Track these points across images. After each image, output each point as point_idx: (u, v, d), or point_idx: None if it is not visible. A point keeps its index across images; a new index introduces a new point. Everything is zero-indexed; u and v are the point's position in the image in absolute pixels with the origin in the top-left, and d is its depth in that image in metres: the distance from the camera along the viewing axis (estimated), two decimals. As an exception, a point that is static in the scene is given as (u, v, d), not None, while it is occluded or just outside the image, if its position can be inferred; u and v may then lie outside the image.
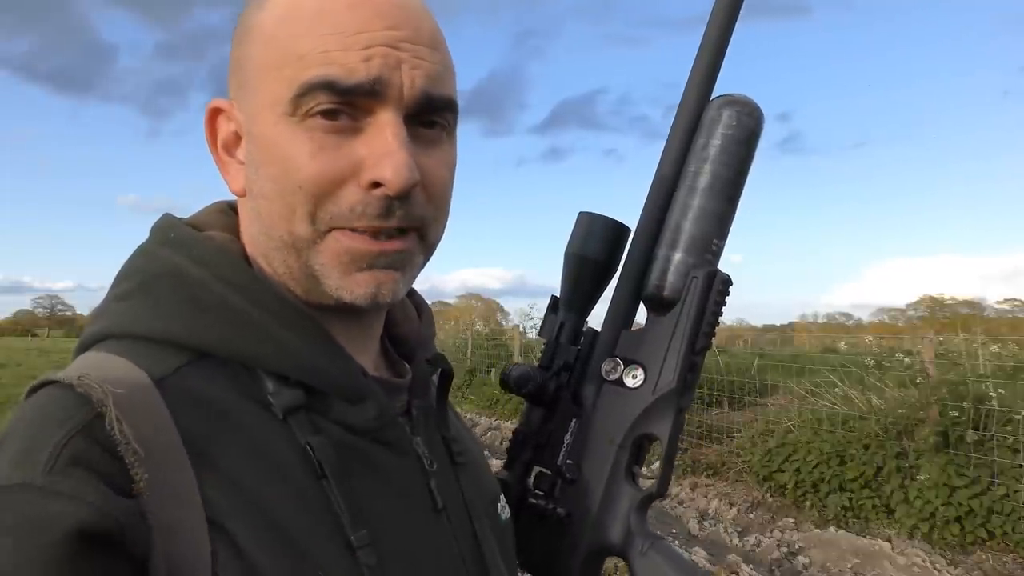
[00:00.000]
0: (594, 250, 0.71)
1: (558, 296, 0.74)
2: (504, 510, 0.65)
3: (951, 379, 5.14)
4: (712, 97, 0.71)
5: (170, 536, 0.39)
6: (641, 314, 0.72)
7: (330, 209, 0.47)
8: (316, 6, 0.47)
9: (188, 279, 0.48)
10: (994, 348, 6.51)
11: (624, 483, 0.66)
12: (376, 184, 0.46)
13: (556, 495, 0.68)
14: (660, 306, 0.69)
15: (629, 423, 0.66)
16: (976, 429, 4.67)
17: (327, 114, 0.46)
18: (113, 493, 0.38)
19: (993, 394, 4.78)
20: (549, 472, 0.69)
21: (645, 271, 0.70)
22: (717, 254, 0.69)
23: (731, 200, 0.69)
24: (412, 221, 0.49)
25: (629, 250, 0.71)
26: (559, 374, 0.71)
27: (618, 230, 0.71)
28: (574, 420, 0.69)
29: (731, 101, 0.70)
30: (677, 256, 0.68)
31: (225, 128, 0.53)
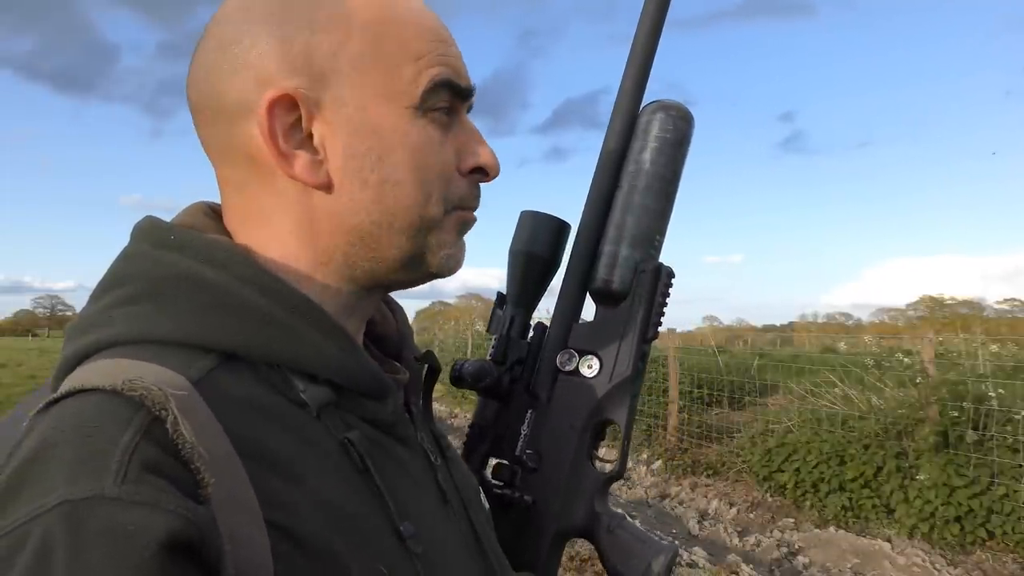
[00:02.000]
0: (539, 247, 0.74)
1: (503, 293, 0.77)
2: (485, 501, 0.67)
3: (951, 379, 5.14)
4: (645, 102, 0.76)
5: (234, 541, 0.37)
6: (588, 307, 0.76)
7: (455, 192, 0.54)
8: (409, 9, 0.52)
9: (205, 282, 0.47)
10: (994, 348, 6.51)
11: (586, 467, 0.70)
12: (479, 170, 0.55)
13: (517, 484, 0.71)
14: (609, 299, 0.73)
15: (588, 410, 0.70)
16: (976, 429, 4.68)
17: (446, 110, 0.53)
18: (189, 500, 0.36)
19: (993, 394, 4.78)
20: (507, 463, 0.72)
21: (591, 266, 0.74)
22: (659, 248, 0.74)
23: (669, 198, 0.74)
24: None
25: (574, 246, 0.75)
26: (513, 368, 0.74)
27: (560, 227, 0.75)
28: (529, 411, 0.72)
29: (664, 106, 0.74)
30: (623, 251, 0.72)
31: (285, 119, 0.48)
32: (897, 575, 4.11)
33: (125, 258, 0.50)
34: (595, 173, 0.76)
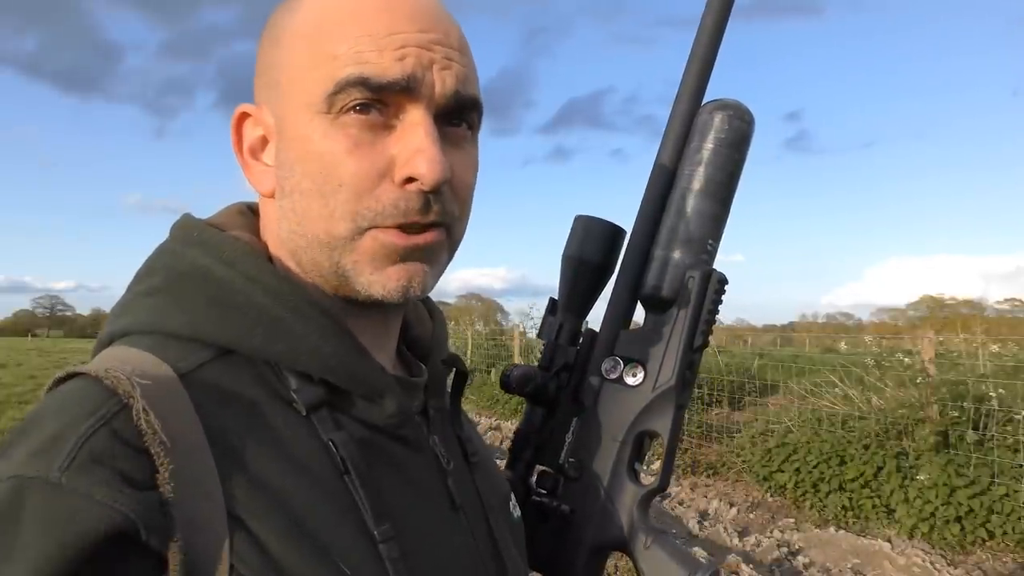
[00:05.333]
0: (591, 252, 0.72)
1: (556, 299, 0.75)
2: (515, 509, 0.66)
3: (951, 379, 5.14)
4: (704, 101, 0.73)
5: (191, 528, 0.39)
6: (639, 314, 0.74)
7: (372, 207, 0.48)
8: (350, 9, 0.49)
9: (214, 278, 0.49)
10: (994, 348, 6.50)
11: (626, 479, 0.68)
12: (410, 180, 0.47)
13: (559, 493, 0.70)
14: (658, 305, 0.70)
15: (630, 420, 0.68)
16: (976, 429, 4.68)
17: (360, 109, 0.47)
18: (130, 489, 0.38)
19: (993, 394, 4.78)
20: (551, 471, 0.71)
21: (642, 272, 0.71)
22: (712, 254, 0.71)
23: (724, 202, 0.71)
24: (445, 217, 0.50)
25: (626, 251, 0.73)
26: (559, 374, 0.72)
27: (614, 232, 0.73)
28: (575, 419, 0.70)
29: (723, 105, 0.71)
30: (674, 256, 0.70)
31: (252, 133, 0.54)
32: (897, 575, 4.11)
33: (158, 252, 0.53)
34: (650, 176, 0.73)
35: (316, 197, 0.48)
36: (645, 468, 0.71)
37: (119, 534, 0.37)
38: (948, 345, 6.27)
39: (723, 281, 0.69)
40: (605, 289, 0.74)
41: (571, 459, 0.69)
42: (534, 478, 0.72)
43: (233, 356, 0.48)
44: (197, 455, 0.42)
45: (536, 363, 0.74)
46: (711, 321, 0.69)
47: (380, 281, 0.49)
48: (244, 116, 0.54)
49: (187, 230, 0.53)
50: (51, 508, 0.36)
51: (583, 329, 0.74)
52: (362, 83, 0.46)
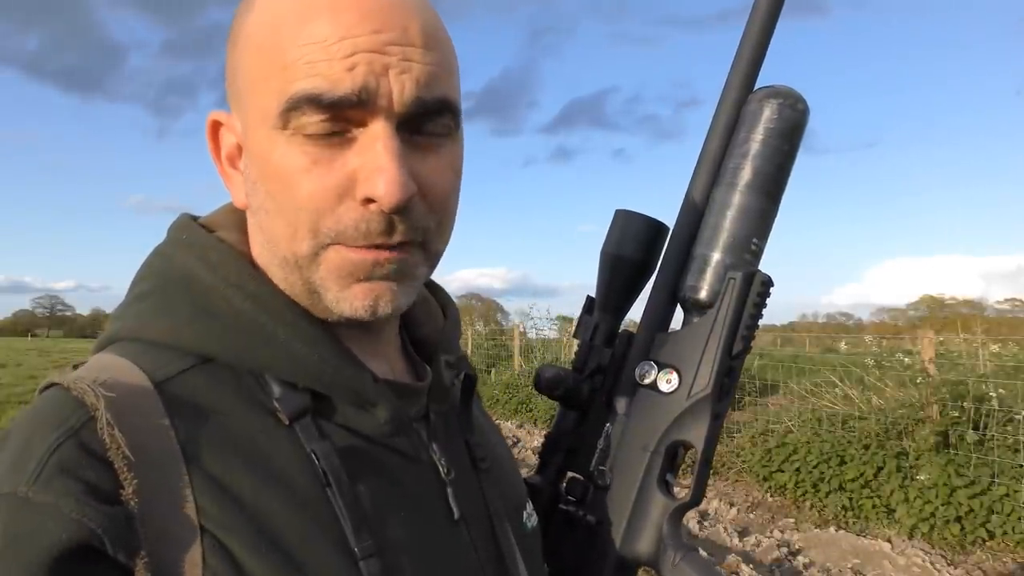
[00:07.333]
0: (629, 249, 0.69)
1: (593, 297, 0.72)
2: (531, 517, 0.64)
3: (951, 379, 5.14)
4: (754, 89, 0.68)
5: (159, 541, 0.39)
6: (679, 316, 0.70)
7: (332, 227, 0.45)
8: (300, 12, 0.45)
9: (198, 283, 0.48)
10: (994, 348, 6.51)
11: (656, 492, 0.63)
12: (370, 200, 0.44)
13: (588, 501, 0.67)
14: (696, 308, 0.66)
15: (662, 429, 0.64)
16: (976, 429, 4.68)
17: (316, 129, 0.44)
18: (96, 501, 0.38)
19: (993, 394, 4.79)
20: (582, 478, 0.68)
21: (682, 271, 0.67)
22: (757, 254, 0.66)
23: (772, 197, 0.66)
24: (414, 234, 0.47)
25: (666, 249, 0.69)
26: (593, 377, 0.69)
27: (656, 229, 0.69)
28: (607, 425, 0.67)
29: (774, 92, 0.66)
30: (715, 256, 0.65)
31: (227, 141, 0.52)
32: (897, 575, 4.11)
33: (154, 254, 0.53)
34: (695, 168, 0.69)
35: (279, 217, 0.46)
36: (678, 481, 0.67)
37: (85, 547, 0.37)
38: (948, 345, 6.27)
39: (767, 283, 0.64)
40: (646, 289, 0.71)
41: (601, 467, 0.66)
42: (564, 484, 0.69)
43: (214, 364, 0.46)
44: (168, 467, 0.41)
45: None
46: (753, 326, 0.64)
47: (347, 299, 0.47)
48: (218, 125, 0.52)
49: (179, 231, 0.52)
50: (21, 524, 0.36)
51: (620, 330, 0.71)
52: (313, 100, 0.43)
